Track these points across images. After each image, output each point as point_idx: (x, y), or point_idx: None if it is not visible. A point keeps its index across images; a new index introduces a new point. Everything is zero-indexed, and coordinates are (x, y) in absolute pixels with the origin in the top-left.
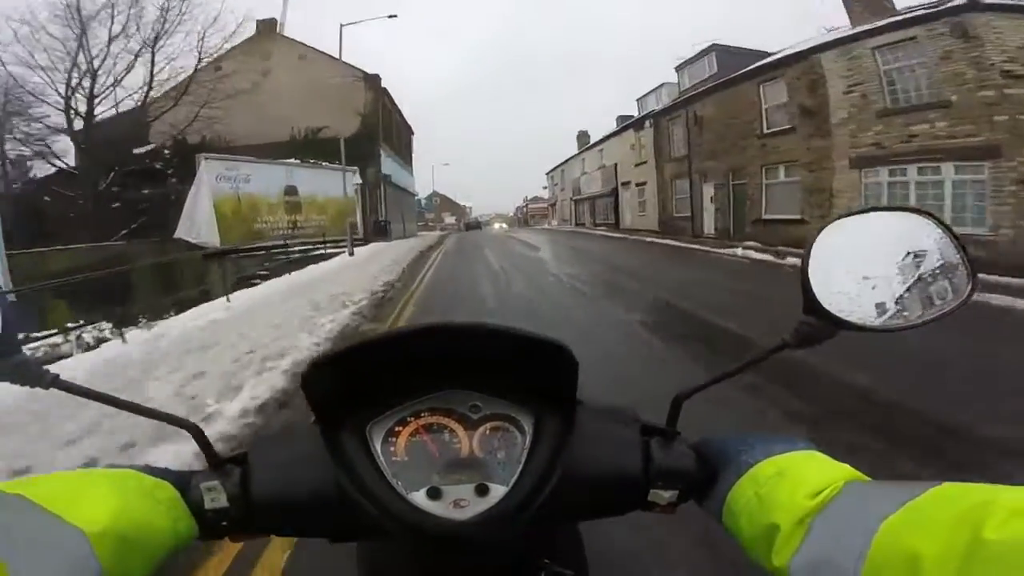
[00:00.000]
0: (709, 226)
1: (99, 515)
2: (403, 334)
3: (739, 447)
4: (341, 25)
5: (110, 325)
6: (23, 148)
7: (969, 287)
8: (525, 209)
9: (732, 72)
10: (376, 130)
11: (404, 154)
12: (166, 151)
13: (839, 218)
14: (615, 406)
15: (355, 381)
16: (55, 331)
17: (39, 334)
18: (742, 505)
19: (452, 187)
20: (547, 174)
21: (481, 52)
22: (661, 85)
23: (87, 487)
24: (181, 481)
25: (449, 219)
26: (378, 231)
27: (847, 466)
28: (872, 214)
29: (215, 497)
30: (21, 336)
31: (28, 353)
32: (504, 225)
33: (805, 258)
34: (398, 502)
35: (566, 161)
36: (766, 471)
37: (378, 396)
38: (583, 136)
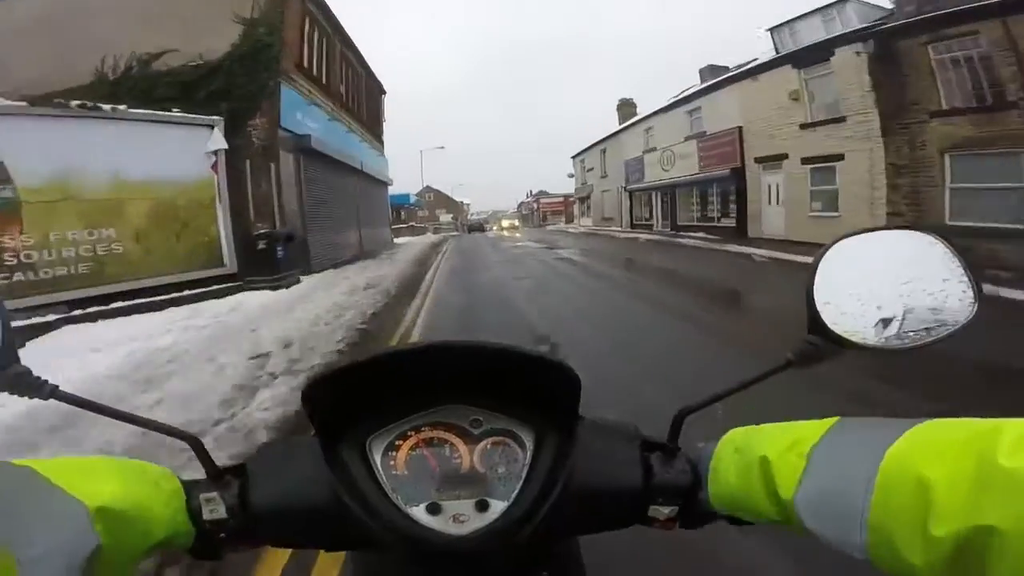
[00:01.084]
0: None
1: (102, 492)
2: (404, 352)
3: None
4: None
5: None
6: None
7: (974, 307)
8: (535, 205)
9: None
10: (274, 49)
11: (363, 118)
12: None
13: (844, 237)
14: (617, 421)
15: (356, 396)
16: None
17: None
18: (724, 464)
19: (448, 182)
20: (574, 158)
21: (477, 40)
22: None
23: (93, 467)
24: (184, 485)
25: (445, 217)
26: (265, 260)
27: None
28: (878, 233)
29: (214, 508)
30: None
31: (26, 365)
32: (515, 224)
33: (810, 277)
34: (398, 516)
35: (608, 138)
36: (738, 432)
37: (379, 410)
38: (626, 106)
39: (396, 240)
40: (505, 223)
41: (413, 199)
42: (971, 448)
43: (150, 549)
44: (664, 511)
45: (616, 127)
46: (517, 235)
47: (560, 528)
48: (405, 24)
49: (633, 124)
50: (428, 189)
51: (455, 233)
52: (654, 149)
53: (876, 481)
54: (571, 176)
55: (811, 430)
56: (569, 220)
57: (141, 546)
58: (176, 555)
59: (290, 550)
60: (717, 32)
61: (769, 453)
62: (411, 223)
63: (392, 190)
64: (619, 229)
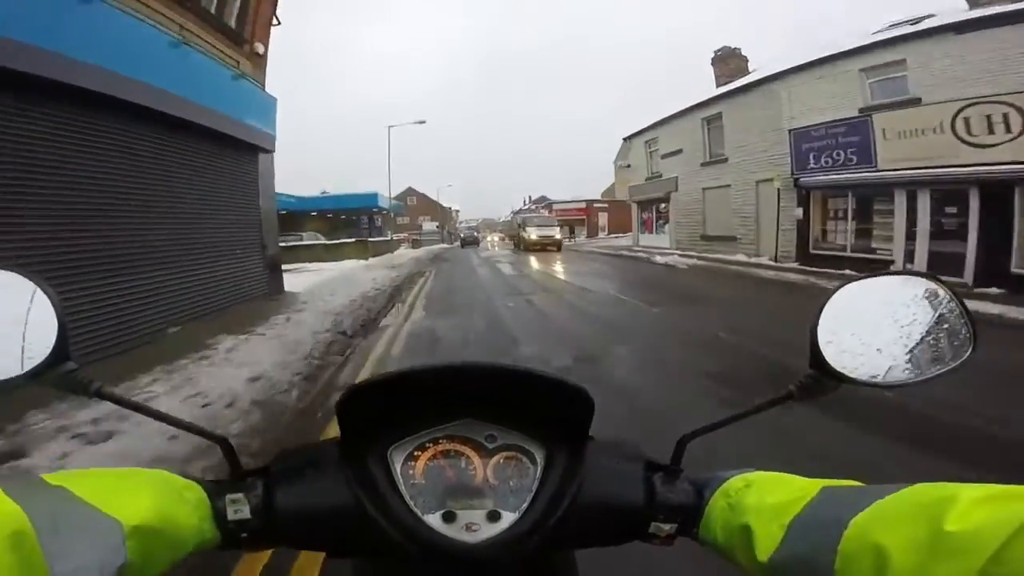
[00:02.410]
0: None
1: (136, 510)
2: (431, 370)
3: (725, 475)
4: None
5: None
6: None
7: (970, 348)
8: (541, 214)
9: None
10: None
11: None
12: None
13: (849, 282)
14: (623, 442)
15: (381, 408)
16: None
17: None
18: (717, 515)
19: (433, 185)
20: (632, 138)
21: (469, 48)
22: None
23: (125, 483)
24: (207, 489)
25: (429, 225)
26: None
27: (826, 480)
28: (881, 279)
29: (238, 508)
30: None
31: (75, 364)
32: (554, 235)
33: (815, 318)
34: (414, 522)
35: (720, 99)
36: (736, 484)
37: (401, 422)
38: (733, 58)
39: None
40: (534, 233)
41: (388, 202)
42: (927, 514)
43: (175, 563)
44: (664, 528)
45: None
46: (557, 269)
47: (565, 541)
48: (394, 28)
49: (819, 63)
50: (410, 192)
51: (443, 246)
52: (915, 102)
53: (840, 549)
54: (624, 166)
55: (797, 495)
56: (593, 234)
57: (168, 560)
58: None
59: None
60: (711, 40)
61: (753, 522)
62: (389, 234)
63: (359, 188)
64: (769, 263)
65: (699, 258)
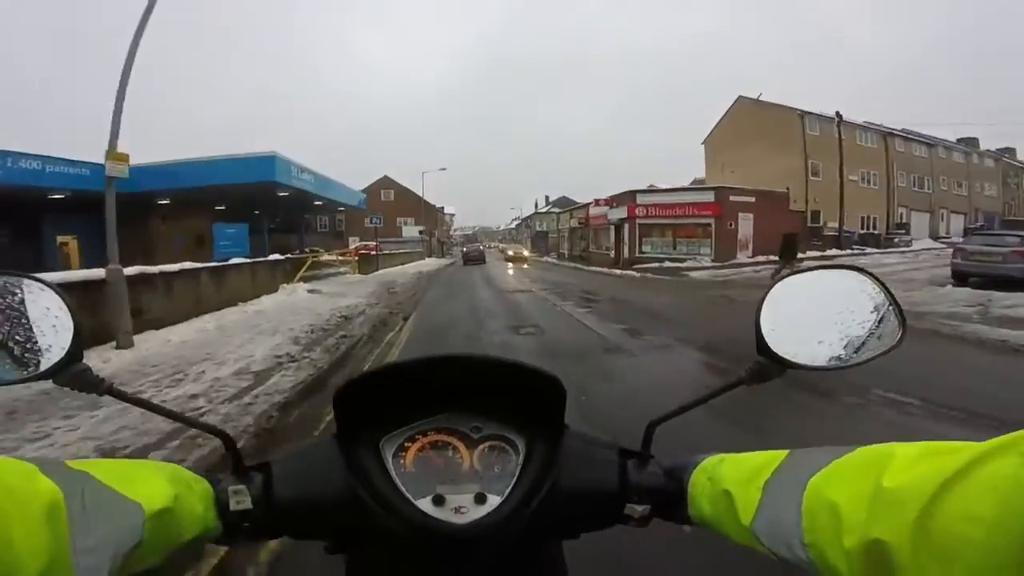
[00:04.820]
0: None
1: (155, 496)
2: (418, 362)
3: (698, 458)
4: None
5: None
6: None
7: (900, 333)
8: (581, 219)
9: None
10: None
11: None
12: None
13: (790, 275)
14: (598, 436)
15: (373, 401)
16: None
17: None
18: (700, 490)
19: (414, 177)
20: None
21: (471, 53)
22: None
23: (143, 472)
24: (211, 483)
25: (410, 230)
26: None
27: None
28: (818, 272)
29: (240, 500)
30: None
31: (87, 364)
32: None
33: (759, 308)
34: (407, 507)
35: None
36: (712, 461)
37: (391, 415)
38: None
39: None
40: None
41: (355, 198)
42: (870, 472)
43: (180, 545)
44: (638, 509)
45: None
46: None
47: (550, 525)
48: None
49: None
50: (385, 183)
51: (426, 267)
52: None
53: (803, 507)
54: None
55: (768, 461)
56: (728, 253)
57: (174, 542)
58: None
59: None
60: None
61: (731, 487)
62: (338, 249)
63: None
64: None
65: None
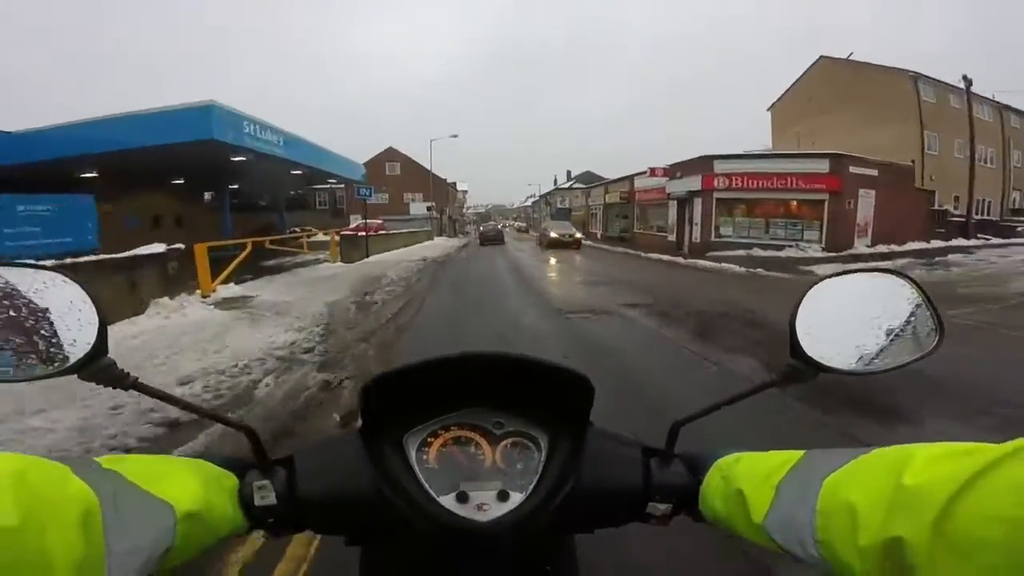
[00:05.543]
0: None
1: (185, 496)
2: (445, 360)
3: (717, 453)
4: None
5: None
6: None
7: (937, 338)
8: (627, 189)
9: None
10: None
11: None
12: None
13: (826, 278)
14: (620, 433)
15: (397, 397)
16: None
17: None
18: (713, 489)
19: (421, 149)
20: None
21: (485, 39)
22: None
23: (172, 470)
24: (238, 475)
25: (418, 207)
26: None
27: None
28: (854, 275)
29: (265, 495)
30: None
31: (112, 359)
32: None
33: (794, 311)
34: (430, 503)
35: None
36: (728, 460)
37: (415, 411)
38: None
39: None
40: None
41: (354, 171)
42: (890, 472)
43: (208, 547)
44: (660, 508)
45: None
46: None
47: (569, 522)
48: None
49: None
50: (391, 154)
51: (437, 249)
52: None
53: (817, 507)
54: None
55: (783, 462)
56: (844, 238)
57: (204, 542)
58: None
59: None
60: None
61: (745, 487)
62: (335, 228)
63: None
64: None
65: None
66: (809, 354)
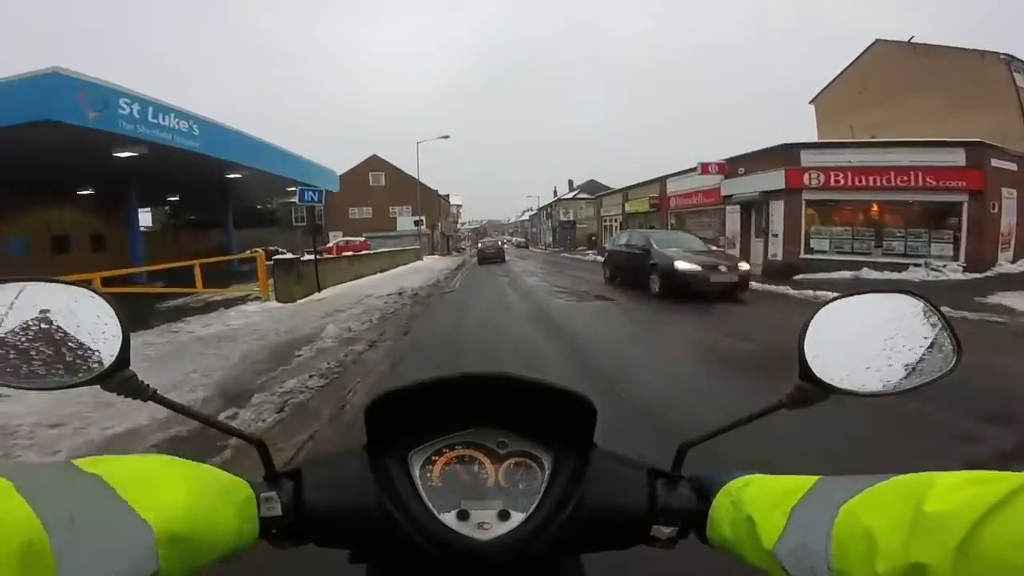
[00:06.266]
0: None
1: (170, 511)
2: (450, 379)
3: (725, 476)
4: None
5: None
6: None
7: (955, 359)
8: (660, 200)
9: None
10: None
11: None
12: None
13: (837, 298)
14: (626, 455)
15: (402, 415)
16: None
17: None
18: (722, 514)
19: (408, 157)
20: None
21: (481, 45)
22: None
23: (163, 478)
24: (251, 486)
25: (405, 220)
26: None
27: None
28: (866, 296)
29: (271, 507)
30: None
31: (134, 371)
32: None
33: (802, 332)
34: (431, 521)
35: None
36: (737, 484)
37: (419, 429)
38: None
39: None
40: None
41: (326, 179)
42: (908, 498)
43: (208, 566)
44: (666, 531)
45: None
46: None
47: (572, 543)
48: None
49: None
50: (375, 163)
51: (432, 275)
52: None
53: (833, 533)
54: None
55: (796, 487)
56: (987, 249)
57: (199, 563)
58: None
59: None
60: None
61: (755, 512)
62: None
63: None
64: None
65: None
66: (819, 376)
